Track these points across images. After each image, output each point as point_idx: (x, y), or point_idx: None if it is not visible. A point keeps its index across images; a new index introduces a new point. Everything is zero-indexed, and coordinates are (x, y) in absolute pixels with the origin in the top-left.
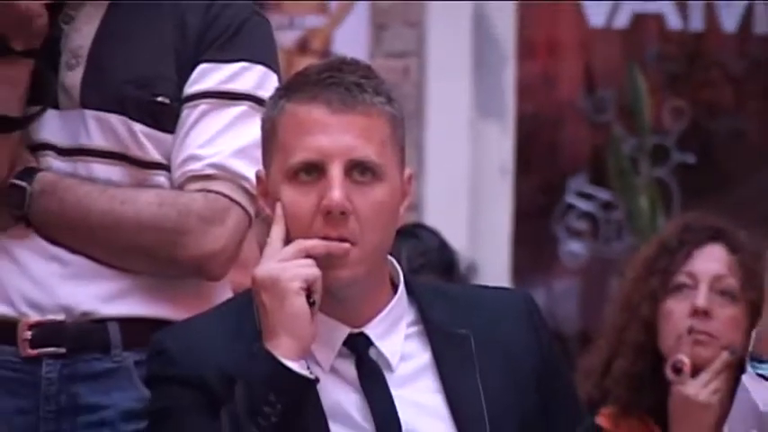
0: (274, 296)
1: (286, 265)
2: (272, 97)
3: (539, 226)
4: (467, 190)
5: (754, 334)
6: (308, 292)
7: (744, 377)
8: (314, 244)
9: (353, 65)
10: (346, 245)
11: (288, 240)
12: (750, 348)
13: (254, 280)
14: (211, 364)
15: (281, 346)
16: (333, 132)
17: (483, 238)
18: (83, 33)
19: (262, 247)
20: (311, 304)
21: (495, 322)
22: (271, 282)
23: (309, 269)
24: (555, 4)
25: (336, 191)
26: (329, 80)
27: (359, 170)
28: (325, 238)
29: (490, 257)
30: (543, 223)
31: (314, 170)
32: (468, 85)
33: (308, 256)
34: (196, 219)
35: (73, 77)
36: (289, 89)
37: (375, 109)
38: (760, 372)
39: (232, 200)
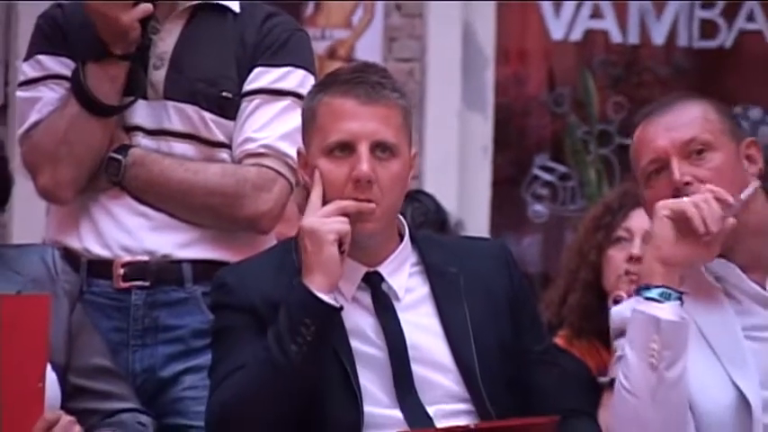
0: (314, 243)
1: (325, 220)
2: (310, 91)
3: (511, 192)
4: (456, 164)
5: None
6: (340, 242)
7: (636, 304)
8: (348, 204)
9: (375, 68)
10: (372, 205)
11: (324, 201)
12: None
13: (301, 229)
14: (260, 294)
15: (315, 282)
16: (361, 119)
17: (468, 201)
18: (166, 42)
19: (300, 208)
20: (341, 252)
21: (478, 264)
22: (312, 232)
23: (343, 225)
24: (525, 22)
25: (364, 164)
26: (358, 79)
27: (380, 149)
28: (354, 199)
29: (473, 216)
30: (514, 190)
31: (346, 148)
32: (458, 84)
33: (343, 213)
34: (251, 186)
35: (158, 76)
36: (325, 85)
37: (392, 102)
38: (647, 296)
39: (278, 172)
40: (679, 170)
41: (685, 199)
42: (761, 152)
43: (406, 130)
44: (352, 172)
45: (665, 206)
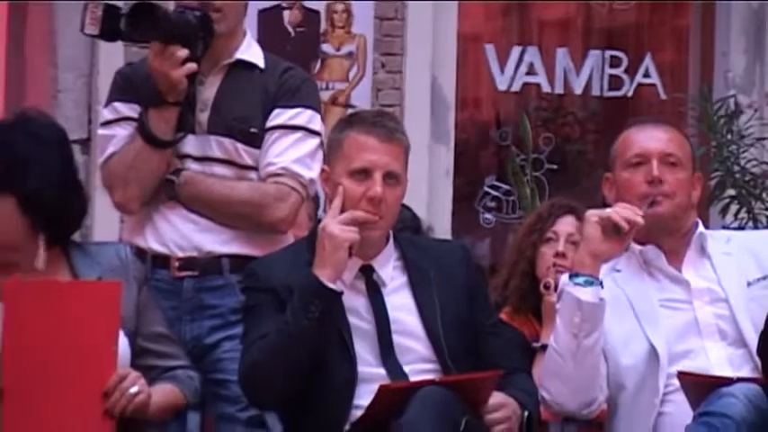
0: (331, 245)
1: (344, 228)
2: (337, 126)
3: (467, 205)
4: (426, 184)
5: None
6: (350, 247)
7: (565, 286)
8: (360, 214)
9: (390, 116)
10: (376, 218)
11: (342, 209)
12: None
13: (322, 230)
14: (280, 281)
15: (325, 274)
16: (379, 154)
17: (435, 212)
18: (209, 91)
19: (309, 215)
20: (349, 254)
21: (444, 260)
22: (332, 236)
23: (355, 235)
24: (477, 77)
25: (378, 187)
26: (379, 123)
27: (390, 177)
28: (366, 212)
29: (440, 222)
30: (470, 203)
31: (365, 173)
32: (428, 124)
33: (355, 221)
34: (272, 198)
35: (203, 117)
36: (351, 123)
37: (400, 143)
38: (575, 282)
39: (292, 188)
40: (657, 169)
41: (607, 210)
42: (704, 184)
43: (406, 164)
44: (367, 192)
45: (593, 214)
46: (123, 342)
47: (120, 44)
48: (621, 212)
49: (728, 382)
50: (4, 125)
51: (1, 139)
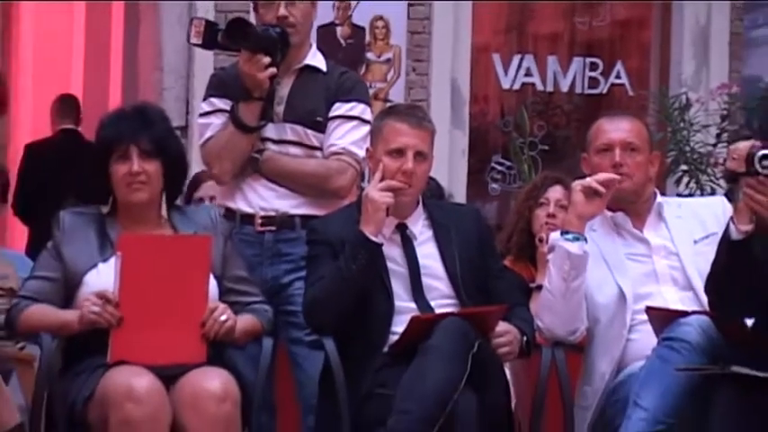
0: (373, 208)
1: (382, 194)
2: (378, 116)
3: (478, 177)
4: (447, 161)
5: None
6: (388, 209)
7: (556, 240)
8: (395, 183)
9: (419, 107)
10: (408, 186)
11: (381, 180)
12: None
13: (366, 196)
14: (334, 235)
15: (369, 230)
16: (410, 137)
17: (454, 182)
18: (284, 89)
19: (357, 185)
20: (387, 213)
21: (461, 220)
22: (373, 201)
23: (390, 199)
24: (486, 78)
25: (410, 163)
26: (410, 113)
27: (419, 155)
28: (401, 182)
29: (458, 191)
30: (481, 176)
31: (400, 152)
32: (448, 114)
33: (391, 188)
34: (334, 172)
35: (280, 109)
36: (389, 113)
37: (427, 129)
38: (566, 237)
39: (349, 164)
40: (619, 156)
41: (587, 179)
42: (662, 161)
43: (431, 145)
44: (401, 166)
45: (577, 184)
46: (213, 283)
47: (210, 52)
48: (597, 178)
49: (685, 314)
50: (138, 110)
51: (147, 119)
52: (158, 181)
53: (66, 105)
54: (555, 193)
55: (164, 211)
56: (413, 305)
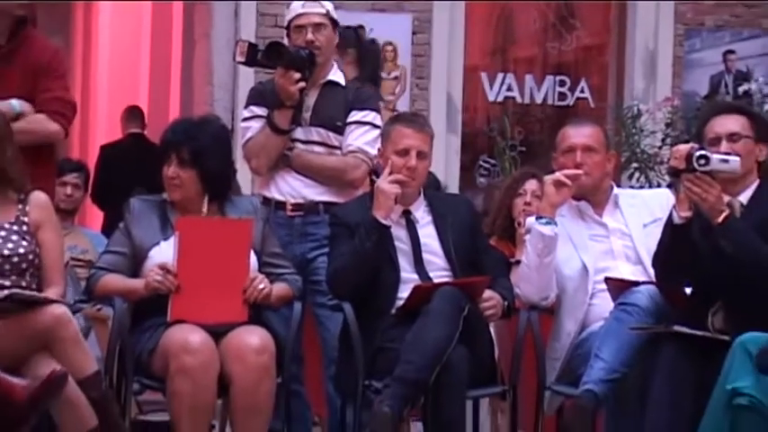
0: (383, 196)
1: (390, 186)
2: (388, 122)
3: (469, 172)
4: (444, 159)
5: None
6: (395, 197)
7: (532, 224)
8: (401, 177)
9: (421, 116)
10: (411, 180)
11: (390, 173)
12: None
13: (377, 187)
14: (352, 219)
15: (380, 214)
16: (413, 139)
17: (449, 177)
18: (310, 100)
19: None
20: (395, 201)
21: (455, 207)
22: (383, 191)
23: (398, 190)
24: (475, 93)
25: (413, 161)
26: (414, 120)
27: (420, 154)
28: (405, 176)
29: (452, 184)
30: (470, 172)
31: (405, 152)
32: (444, 122)
33: (398, 181)
34: (350, 166)
35: (307, 115)
36: (396, 120)
37: (427, 133)
38: (540, 222)
39: (363, 160)
40: (580, 157)
41: (556, 173)
42: (617, 160)
43: (431, 146)
44: (406, 163)
45: (549, 178)
46: (253, 257)
47: (252, 69)
48: (564, 173)
49: (636, 284)
50: (193, 123)
51: (191, 133)
52: (193, 186)
53: (134, 114)
54: (531, 185)
55: (204, 208)
56: (415, 276)
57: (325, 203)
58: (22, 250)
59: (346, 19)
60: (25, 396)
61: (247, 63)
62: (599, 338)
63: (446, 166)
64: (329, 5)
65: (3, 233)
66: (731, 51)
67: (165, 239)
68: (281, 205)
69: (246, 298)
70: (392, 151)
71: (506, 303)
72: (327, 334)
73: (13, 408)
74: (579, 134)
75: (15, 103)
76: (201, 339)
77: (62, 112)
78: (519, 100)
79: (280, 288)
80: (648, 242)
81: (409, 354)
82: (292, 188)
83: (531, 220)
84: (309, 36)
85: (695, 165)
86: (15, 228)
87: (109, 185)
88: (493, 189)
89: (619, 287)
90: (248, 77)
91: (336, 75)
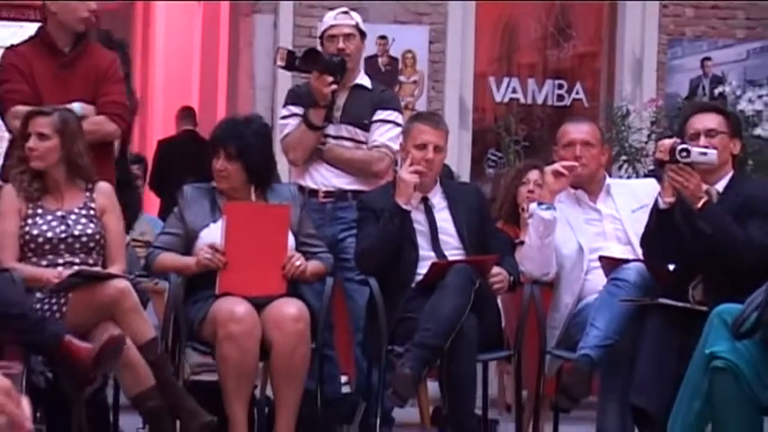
0: (404, 184)
1: (411, 176)
2: (408, 120)
3: (479, 164)
4: (456, 152)
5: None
6: (414, 186)
7: (534, 209)
8: (420, 168)
9: (437, 115)
10: (429, 171)
11: (411, 165)
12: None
13: (399, 177)
14: (377, 204)
15: (401, 201)
16: (431, 135)
17: (462, 168)
18: (340, 100)
19: (393, 169)
20: (414, 189)
21: (467, 194)
22: (404, 180)
23: (416, 179)
24: (483, 94)
25: (430, 154)
26: (431, 118)
27: (437, 148)
28: (423, 167)
29: (464, 174)
30: (480, 164)
31: (423, 146)
32: (457, 120)
33: (418, 171)
34: (375, 159)
35: (337, 114)
36: (416, 118)
37: (443, 129)
38: (541, 207)
39: (386, 154)
40: (579, 150)
41: (555, 165)
42: (609, 153)
43: (446, 141)
44: (425, 156)
45: (549, 168)
46: (291, 238)
47: (289, 73)
48: (562, 164)
49: (626, 262)
50: (239, 121)
51: (237, 131)
52: (238, 177)
53: (187, 113)
54: (533, 175)
55: (253, 197)
56: (432, 254)
57: (354, 191)
58: (89, 231)
59: (372, 30)
60: (89, 357)
61: (286, 67)
62: (593, 309)
63: (459, 158)
64: (358, 18)
65: (73, 216)
66: (708, 58)
67: (214, 222)
68: (314, 193)
69: (285, 273)
70: (412, 145)
71: (512, 278)
72: (355, 305)
73: (80, 367)
74: (578, 130)
75: (77, 107)
76: (245, 310)
77: (119, 113)
78: (522, 101)
79: (314, 265)
80: (636, 226)
81: (427, 322)
82: (324, 178)
83: (533, 205)
84: (341, 45)
85: (678, 157)
86: (84, 212)
87: (165, 176)
88: (499, 178)
89: (611, 264)
90: (285, 81)
91: (363, 79)
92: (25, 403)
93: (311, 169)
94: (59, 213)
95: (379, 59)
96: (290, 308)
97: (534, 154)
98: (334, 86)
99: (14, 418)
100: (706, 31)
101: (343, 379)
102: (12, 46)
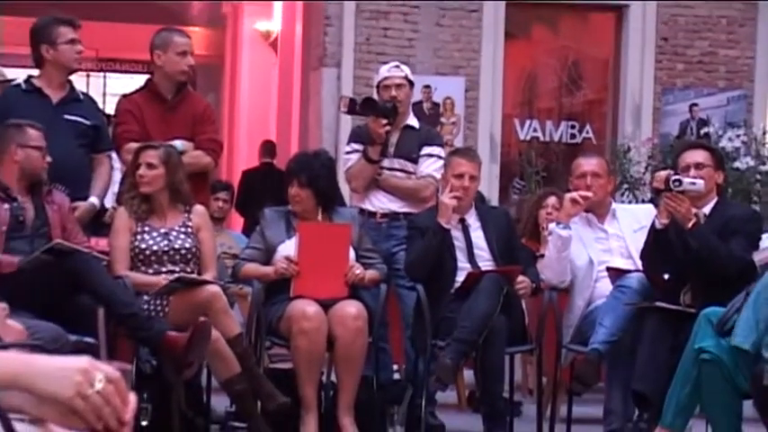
0: (444, 207)
1: (450, 200)
2: (448, 155)
3: (505, 191)
4: (487, 181)
5: (555, 217)
6: (453, 208)
7: (553, 228)
8: (458, 194)
9: (472, 150)
10: (466, 196)
11: (450, 191)
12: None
13: (441, 201)
14: (423, 223)
15: (442, 220)
16: (467, 167)
17: (492, 194)
18: (394, 138)
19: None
20: (453, 211)
21: (497, 216)
22: (444, 204)
23: (455, 203)
24: (509, 135)
25: (466, 182)
26: (467, 152)
27: (471, 177)
28: (461, 193)
29: (493, 198)
30: (507, 190)
31: (461, 176)
32: (488, 154)
33: (456, 197)
34: (422, 187)
35: (391, 150)
36: (455, 153)
37: (477, 161)
38: (560, 227)
39: (431, 183)
40: (590, 181)
41: (574, 193)
42: (614, 182)
43: (479, 171)
44: (462, 184)
45: (569, 196)
46: (352, 251)
47: (350, 116)
48: (579, 193)
49: (629, 272)
50: (310, 155)
51: (307, 164)
52: (309, 201)
53: (268, 148)
54: (551, 200)
55: (320, 218)
56: (468, 265)
57: (405, 213)
58: (188, 245)
59: (419, 80)
60: (182, 345)
61: (348, 112)
62: (601, 311)
63: (489, 186)
64: (407, 70)
65: (174, 233)
66: (695, 104)
67: (289, 238)
68: (372, 214)
69: (347, 280)
70: (451, 175)
71: (534, 285)
72: (405, 307)
73: (177, 354)
74: (589, 163)
75: (179, 144)
76: (315, 309)
77: (214, 149)
78: (542, 139)
79: (371, 273)
80: (637, 243)
81: (464, 321)
82: (381, 202)
83: (552, 225)
84: (393, 93)
85: (671, 186)
86: (183, 230)
87: (248, 199)
88: (523, 203)
89: (616, 274)
90: (347, 123)
91: (412, 120)
92: (132, 398)
93: (370, 195)
94: (163, 230)
95: (424, 104)
96: (351, 308)
97: (551, 183)
98: (388, 127)
99: (115, 407)
100: (693, 81)
101: (395, 367)
102: (126, 94)
